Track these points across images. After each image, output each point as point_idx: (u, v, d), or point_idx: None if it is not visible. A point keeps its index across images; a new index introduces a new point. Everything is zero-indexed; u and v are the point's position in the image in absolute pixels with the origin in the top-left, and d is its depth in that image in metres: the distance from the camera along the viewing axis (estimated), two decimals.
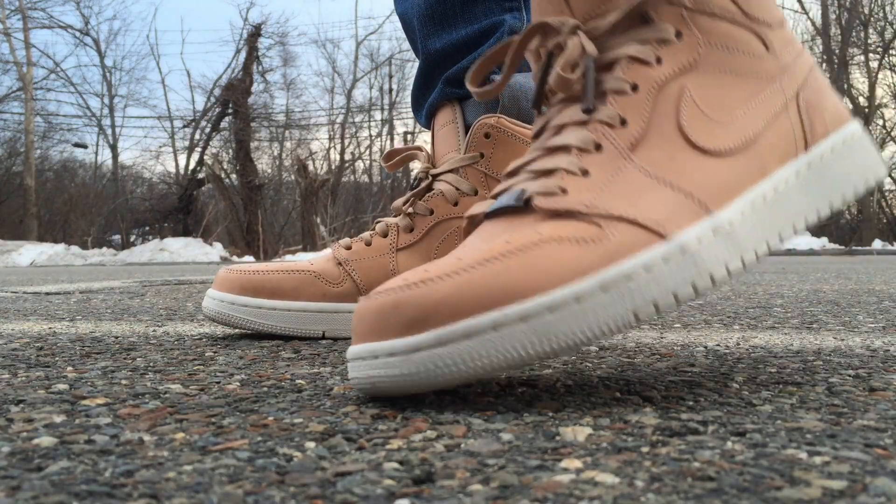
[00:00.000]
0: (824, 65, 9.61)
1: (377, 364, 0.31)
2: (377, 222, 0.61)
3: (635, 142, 0.35)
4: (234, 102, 9.78)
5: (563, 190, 0.34)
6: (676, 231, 0.33)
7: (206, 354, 0.51)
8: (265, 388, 0.37)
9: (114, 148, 11.65)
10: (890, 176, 9.25)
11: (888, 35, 9.24)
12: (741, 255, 0.34)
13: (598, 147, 0.36)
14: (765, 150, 0.37)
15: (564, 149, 0.36)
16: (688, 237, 0.33)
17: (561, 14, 0.38)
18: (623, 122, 0.36)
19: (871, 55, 9.33)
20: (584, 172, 0.35)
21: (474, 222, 0.38)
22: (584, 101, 0.36)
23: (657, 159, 0.35)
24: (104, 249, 7.57)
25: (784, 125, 0.38)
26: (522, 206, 0.35)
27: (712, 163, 0.35)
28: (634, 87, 0.36)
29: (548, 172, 0.36)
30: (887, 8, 9.13)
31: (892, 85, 9.94)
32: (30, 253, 6.12)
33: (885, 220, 9.11)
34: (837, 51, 9.40)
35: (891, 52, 9.17)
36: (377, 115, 11.93)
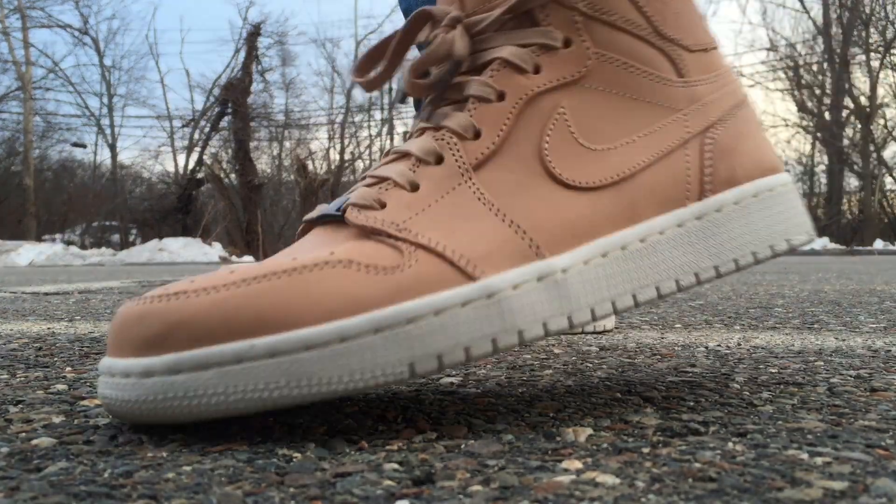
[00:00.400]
0: (825, 64, 9.60)
1: (112, 384, 0.27)
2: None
3: (483, 159, 0.30)
4: (233, 102, 9.79)
5: (381, 204, 0.30)
6: (490, 272, 0.28)
7: None
8: None
9: (113, 147, 11.66)
10: (891, 175, 9.24)
11: (889, 34, 9.24)
12: (569, 313, 0.29)
13: (439, 159, 0.31)
14: (641, 192, 0.31)
15: (406, 156, 0.31)
16: (501, 281, 0.28)
17: (452, 3, 0.33)
18: (476, 135, 0.31)
19: (872, 54, 9.33)
20: (413, 186, 0.30)
21: (307, 228, 0.33)
22: (429, 107, 0.32)
23: (501, 183, 0.30)
24: (103, 249, 7.57)
25: (676, 166, 0.32)
26: (341, 217, 0.30)
27: (568, 198, 0.30)
28: (501, 96, 0.31)
29: (379, 180, 0.31)
30: (888, 7, 9.12)
31: (893, 84, 9.95)
32: (28, 253, 6.13)
33: (886, 220, 9.11)
34: (839, 50, 9.39)
35: (892, 51, 9.16)
36: (377, 115, 11.94)
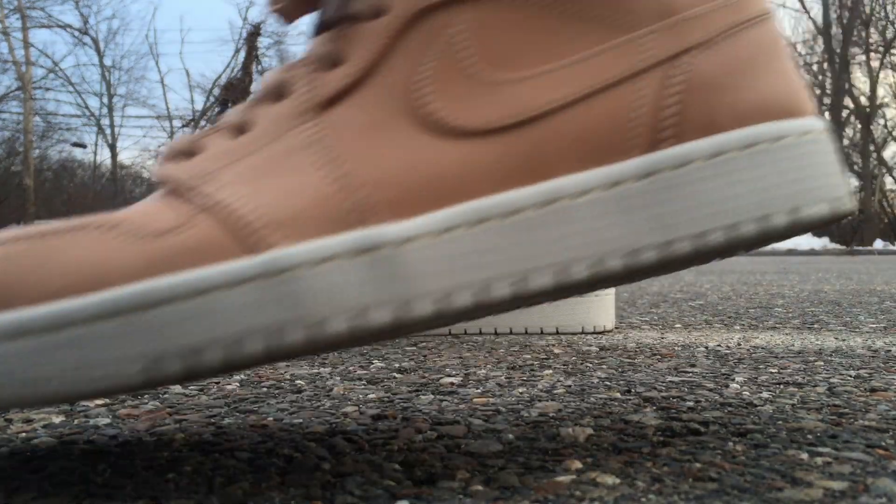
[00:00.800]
0: (825, 64, 9.60)
1: None
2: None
3: (334, 94, 0.23)
4: (233, 102, 9.77)
5: (191, 153, 0.24)
6: (284, 242, 0.21)
7: None
8: (265, 389, 0.37)
9: (113, 147, 11.66)
10: (891, 175, 9.24)
11: (889, 34, 9.24)
12: (399, 302, 0.21)
13: (281, 94, 0.24)
14: (556, 139, 0.23)
15: (260, 90, 0.25)
16: (294, 255, 0.20)
17: None
18: (335, 63, 0.24)
19: (872, 55, 9.33)
20: (239, 130, 0.24)
21: None
22: (323, 13, 0.25)
23: (349, 126, 0.23)
24: None
25: (618, 104, 0.24)
26: None
27: (437, 145, 0.23)
28: (379, 12, 0.24)
29: (219, 121, 0.25)
30: (888, 7, 9.13)
31: (893, 84, 9.94)
32: None
33: (886, 220, 9.11)
34: (839, 50, 9.39)
35: (892, 51, 9.17)
36: None
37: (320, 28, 0.25)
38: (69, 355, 0.19)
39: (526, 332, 0.55)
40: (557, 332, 0.54)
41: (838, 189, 0.25)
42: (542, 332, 0.54)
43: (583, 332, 0.60)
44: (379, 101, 0.23)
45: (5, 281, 0.20)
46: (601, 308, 0.59)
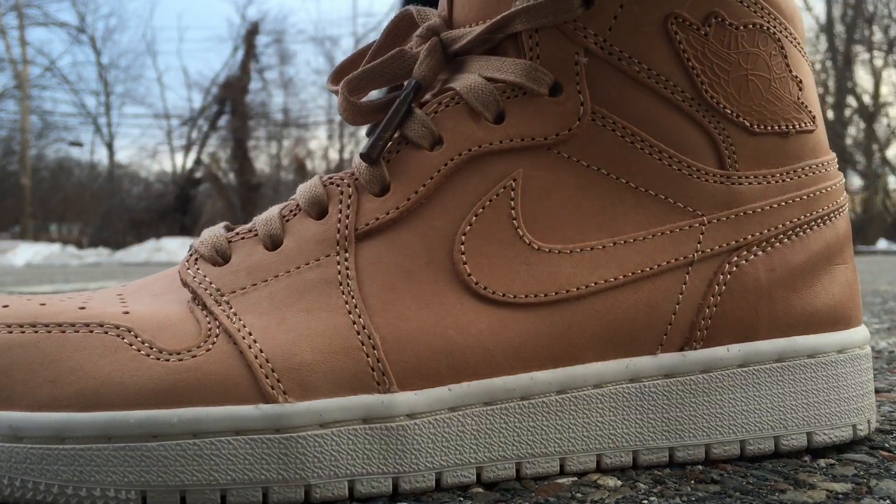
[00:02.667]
0: (829, 63, 9.60)
1: None
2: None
3: (375, 226, 0.22)
4: (231, 101, 9.80)
5: (225, 257, 0.23)
6: (297, 396, 0.20)
7: None
8: None
9: (110, 146, 11.68)
10: (895, 174, 9.23)
11: (893, 33, 9.23)
12: (397, 474, 0.20)
13: (323, 213, 0.23)
14: (588, 323, 0.22)
15: (303, 198, 0.23)
16: (303, 413, 0.20)
17: (443, 8, 0.25)
18: (383, 190, 0.22)
19: (875, 53, 9.32)
20: (274, 243, 0.22)
21: None
22: (370, 145, 0.23)
23: (382, 268, 0.22)
24: (100, 249, 7.58)
25: (660, 296, 0.22)
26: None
27: (468, 311, 0.21)
28: (436, 143, 0.23)
29: (255, 222, 0.24)
30: (892, 5, 9.11)
31: None
32: (25, 253, 6.13)
33: (889, 220, 9.10)
34: (842, 49, 9.38)
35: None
36: None
37: (374, 147, 0.23)
38: (66, 468, 0.19)
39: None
40: None
41: (861, 415, 0.24)
42: None
43: None
44: (416, 244, 0.22)
45: (8, 375, 0.20)
46: None
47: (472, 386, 0.21)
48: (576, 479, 0.22)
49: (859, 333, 0.24)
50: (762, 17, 0.23)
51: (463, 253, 0.22)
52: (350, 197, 0.23)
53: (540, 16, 0.22)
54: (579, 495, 0.21)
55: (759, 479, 0.22)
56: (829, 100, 9.72)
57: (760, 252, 0.23)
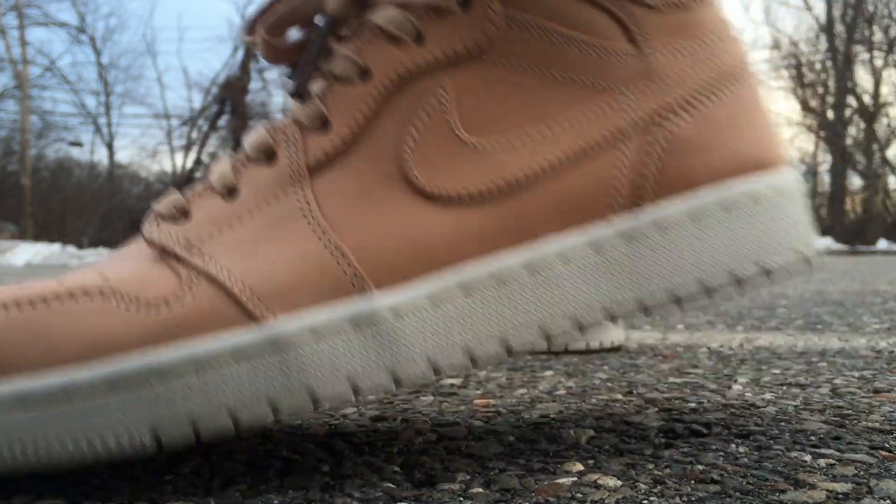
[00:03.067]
0: (829, 63, 9.59)
1: None
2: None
3: (325, 159, 0.24)
4: (231, 101, 9.81)
5: (185, 213, 0.24)
6: (284, 312, 0.21)
7: None
8: None
9: (110, 146, 11.68)
10: (895, 174, 9.22)
11: (893, 32, 9.22)
12: (393, 366, 0.22)
13: (271, 157, 0.24)
14: (540, 204, 0.24)
15: (247, 148, 0.25)
16: (294, 326, 0.21)
17: None
18: (324, 126, 0.24)
19: (875, 53, 9.32)
20: (230, 192, 0.24)
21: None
22: (297, 82, 0.25)
23: (338, 192, 0.23)
24: (100, 249, 7.58)
25: (601, 167, 0.24)
26: None
27: (425, 212, 0.23)
28: (364, 74, 0.24)
29: (202, 183, 0.25)
30: (892, 5, 9.11)
31: None
32: (25, 253, 6.13)
33: (889, 220, 9.09)
34: (842, 48, 9.37)
35: None
36: None
37: (301, 84, 0.25)
38: (76, 425, 0.20)
39: (533, 351, 0.53)
40: (566, 351, 0.52)
41: (803, 242, 0.26)
42: (549, 351, 0.51)
43: (588, 352, 0.50)
44: (367, 167, 0.24)
45: (3, 356, 0.20)
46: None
47: (442, 275, 0.23)
48: (576, 479, 0.22)
49: (791, 174, 0.27)
50: None
51: (411, 164, 0.24)
52: (295, 137, 0.24)
53: None
54: (579, 495, 0.21)
55: (759, 479, 0.22)
56: (830, 99, 9.70)
57: (688, 111, 0.25)
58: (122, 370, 0.20)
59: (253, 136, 0.25)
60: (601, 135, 0.24)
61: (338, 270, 0.22)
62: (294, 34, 0.26)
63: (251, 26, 0.27)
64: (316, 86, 0.24)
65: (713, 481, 0.22)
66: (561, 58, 0.24)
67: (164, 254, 0.23)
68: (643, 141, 0.25)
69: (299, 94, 0.24)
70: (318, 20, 0.25)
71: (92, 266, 0.24)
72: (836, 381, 0.38)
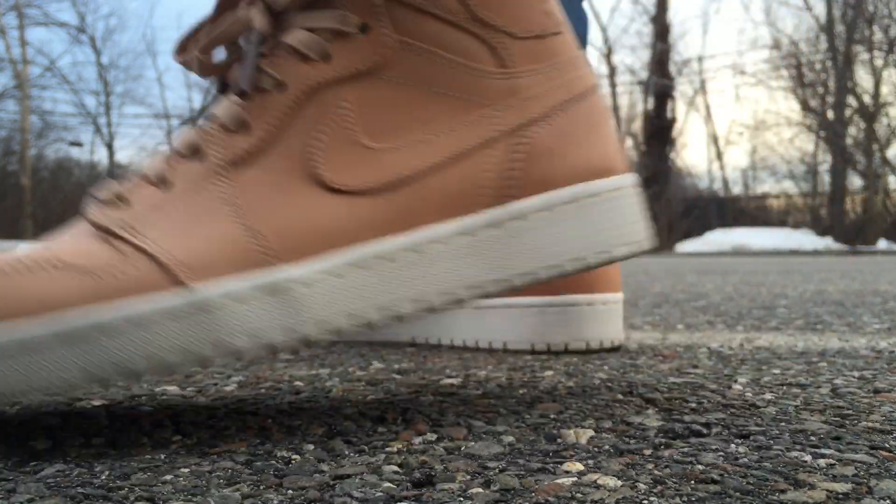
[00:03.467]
0: (829, 62, 9.59)
1: None
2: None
3: (245, 157, 0.28)
4: None
5: (123, 200, 0.28)
6: (205, 280, 0.26)
7: None
8: (263, 390, 0.37)
9: (110, 146, 11.67)
10: (894, 174, 9.22)
11: (893, 32, 9.22)
12: (294, 325, 0.26)
13: (197, 154, 0.29)
14: (422, 197, 0.29)
15: (177, 146, 0.29)
16: (215, 292, 0.26)
17: None
18: (242, 128, 0.29)
19: (876, 53, 9.31)
20: (165, 183, 0.28)
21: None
22: (244, 82, 0.29)
23: (255, 185, 0.28)
24: None
25: (473, 168, 0.29)
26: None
27: (326, 202, 0.28)
28: (280, 86, 0.29)
29: (136, 176, 0.29)
30: (892, 5, 9.10)
31: None
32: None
33: (889, 220, 9.09)
34: (842, 48, 9.37)
35: None
36: None
37: (224, 90, 0.30)
38: (32, 375, 0.24)
39: (533, 350, 0.50)
40: (566, 351, 0.49)
41: (634, 234, 0.32)
42: (549, 351, 0.50)
43: (588, 351, 0.50)
44: (281, 165, 0.29)
45: None
46: (609, 320, 0.51)
47: (343, 255, 0.28)
48: (576, 479, 0.22)
49: (629, 178, 0.32)
50: None
51: (318, 162, 0.28)
52: (220, 138, 0.29)
53: None
54: (579, 495, 0.21)
55: (759, 479, 0.22)
56: (830, 99, 9.70)
57: (544, 124, 0.30)
58: (71, 326, 0.24)
59: (184, 137, 0.29)
60: (474, 141, 0.29)
61: (254, 248, 0.27)
62: (220, 52, 0.31)
63: (182, 47, 0.32)
64: (239, 94, 0.29)
65: (713, 481, 0.22)
66: (444, 77, 0.29)
67: (108, 234, 0.27)
68: (508, 148, 0.30)
69: (244, 91, 0.29)
70: (243, 40, 0.30)
71: (43, 244, 0.28)
72: (837, 382, 0.38)
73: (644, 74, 9.90)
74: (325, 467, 0.24)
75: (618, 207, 0.31)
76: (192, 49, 0.31)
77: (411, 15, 0.29)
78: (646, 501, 0.20)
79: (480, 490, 0.21)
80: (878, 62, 9.30)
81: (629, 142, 9.92)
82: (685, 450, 0.25)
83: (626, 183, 0.32)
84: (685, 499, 0.20)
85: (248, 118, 0.29)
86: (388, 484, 0.22)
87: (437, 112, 0.29)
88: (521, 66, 0.30)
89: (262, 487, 0.22)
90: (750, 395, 0.35)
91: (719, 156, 11.21)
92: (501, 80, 0.30)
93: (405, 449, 0.26)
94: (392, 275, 0.28)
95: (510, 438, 0.27)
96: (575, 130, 0.31)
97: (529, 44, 0.31)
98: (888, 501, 0.20)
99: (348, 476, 0.23)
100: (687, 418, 0.30)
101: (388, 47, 0.29)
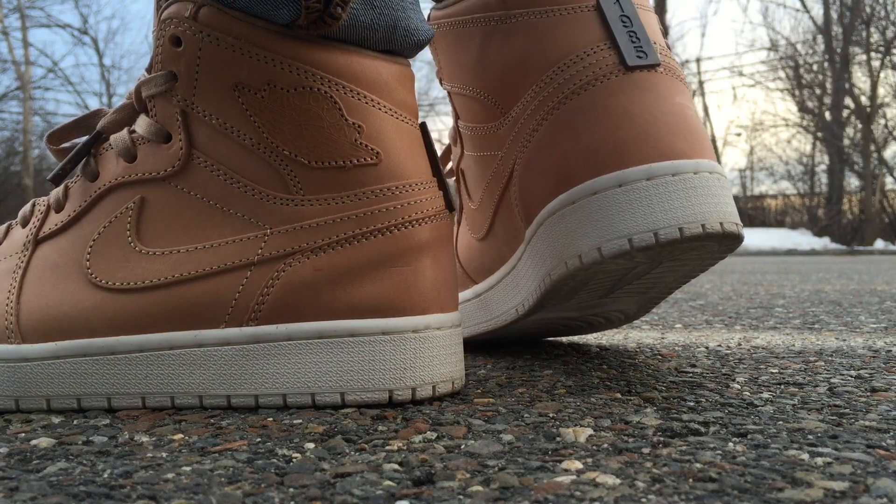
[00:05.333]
0: (826, 64, 9.60)
1: None
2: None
3: (49, 234, 0.33)
4: None
5: None
6: None
7: None
8: None
9: None
10: (892, 175, 9.24)
11: (890, 34, 9.23)
12: (18, 397, 0.31)
13: (26, 223, 0.34)
14: (168, 304, 0.31)
15: (20, 214, 0.36)
16: None
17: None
18: (59, 208, 0.33)
19: (873, 54, 9.33)
20: (2, 241, 0.35)
21: None
22: (54, 173, 0.34)
23: (42, 262, 0.33)
24: None
25: (225, 286, 0.31)
26: None
27: (89, 294, 0.31)
28: (94, 176, 0.33)
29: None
30: (889, 7, 9.12)
31: (894, 84, 9.93)
32: None
33: (887, 220, 9.11)
34: (839, 50, 9.39)
35: (893, 51, 9.16)
36: None
37: (58, 176, 0.34)
38: None
39: (657, 242, 0.33)
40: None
41: (406, 381, 0.31)
42: (681, 235, 0.33)
43: (704, 236, 0.33)
44: (68, 247, 0.32)
45: None
46: (723, 195, 0.34)
47: (72, 343, 0.31)
48: (574, 477, 0.22)
49: (409, 321, 0.31)
50: (314, 80, 0.30)
51: (89, 253, 0.32)
52: (42, 213, 0.34)
53: (150, 86, 0.32)
54: (578, 493, 0.21)
55: (757, 477, 0.22)
56: (827, 101, 9.71)
57: (312, 256, 0.30)
58: None
59: (23, 208, 0.35)
60: (234, 260, 0.31)
61: (5, 323, 0.32)
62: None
63: (50, 140, 0.36)
64: (70, 178, 0.34)
65: (711, 479, 0.22)
66: (231, 195, 0.31)
67: None
68: (265, 274, 0.30)
69: (52, 181, 0.33)
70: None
71: None
72: (834, 381, 0.39)
73: None
74: (325, 466, 0.24)
75: (381, 352, 0.30)
76: (53, 140, 0.36)
77: (207, 131, 0.31)
78: (644, 500, 0.20)
79: (480, 488, 0.21)
80: (875, 63, 9.32)
81: None
82: (683, 448, 0.25)
83: (402, 326, 0.31)
84: (683, 497, 0.20)
85: (63, 200, 0.33)
86: (388, 482, 0.22)
87: (214, 227, 0.31)
88: (312, 193, 0.30)
89: (263, 486, 0.22)
90: (748, 393, 0.35)
91: (717, 156, 11.21)
92: (286, 206, 0.31)
93: (405, 447, 0.26)
94: (112, 368, 0.31)
95: (509, 437, 0.27)
96: (350, 265, 0.30)
97: (327, 173, 0.30)
98: (885, 499, 0.20)
99: (349, 474, 0.23)
100: (685, 417, 0.30)
101: (181, 160, 0.31)
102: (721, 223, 0.32)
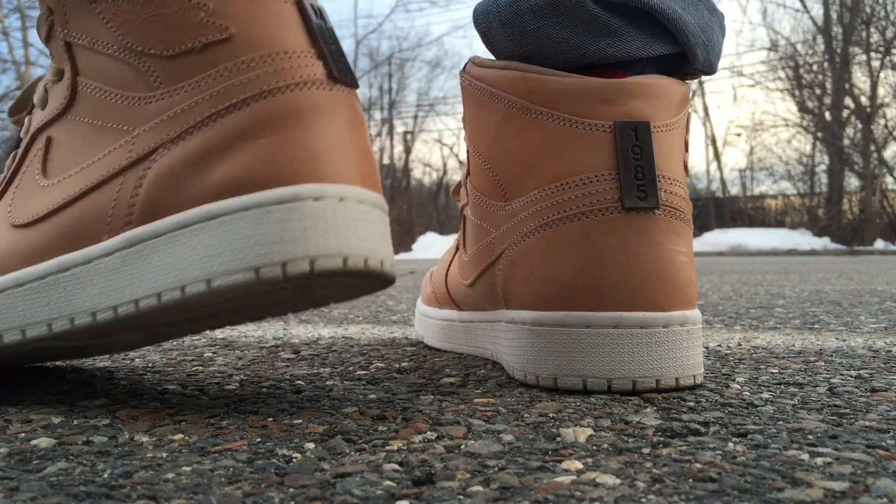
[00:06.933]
0: (826, 64, 9.60)
1: None
2: None
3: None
4: None
5: None
6: None
7: (206, 355, 0.51)
8: (264, 389, 0.37)
9: None
10: (892, 175, 9.23)
11: (890, 34, 9.23)
12: None
13: None
14: (59, 228, 0.31)
15: None
16: None
17: None
18: (7, 170, 0.35)
19: (872, 54, 9.33)
20: None
21: None
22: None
23: None
24: None
25: (102, 198, 0.30)
26: None
27: (8, 234, 0.33)
28: (26, 132, 0.34)
29: None
30: (889, 7, 9.12)
31: (894, 84, 9.93)
32: None
33: (887, 220, 9.11)
34: (839, 50, 9.39)
35: (893, 51, 9.16)
36: (377, 115, 11.94)
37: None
38: None
39: (609, 390, 0.35)
40: (634, 390, 0.34)
41: (263, 259, 0.27)
42: (634, 388, 0.34)
43: (658, 390, 0.35)
44: (6, 203, 0.34)
45: None
46: (687, 349, 0.35)
47: (18, 274, 0.32)
48: (574, 477, 0.22)
49: (272, 194, 0.28)
50: None
51: (11, 199, 0.33)
52: (3, 177, 0.35)
53: (41, 30, 0.33)
54: (578, 493, 0.21)
55: (757, 477, 0.22)
56: (827, 101, 9.71)
57: (172, 146, 0.29)
58: None
59: None
60: (107, 171, 0.30)
61: None
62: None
63: (10, 112, 0.38)
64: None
65: (711, 480, 0.22)
66: (109, 110, 0.31)
67: None
68: (134, 176, 0.30)
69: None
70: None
71: None
72: (834, 381, 0.39)
73: None
74: (325, 466, 0.24)
75: (240, 229, 0.27)
76: (18, 110, 0.38)
77: (86, 56, 0.31)
78: (644, 500, 0.20)
79: (480, 488, 0.21)
80: (875, 63, 9.31)
81: None
82: (683, 448, 0.25)
83: (285, 195, 0.27)
84: (683, 497, 0.20)
85: (12, 162, 0.35)
86: (388, 482, 0.22)
87: (94, 144, 0.31)
88: (172, 83, 0.29)
89: (263, 486, 0.22)
90: (748, 394, 0.35)
91: (717, 157, 11.22)
92: (149, 104, 0.29)
93: (405, 447, 0.26)
94: (25, 301, 0.31)
95: (509, 437, 0.27)
96: (209, 145, 0.28)
97: (183, 59, 0.29)
98: (885, 500, 0.20)
99: (349, 474, 0.23)
100: (685, 417, 0.30)
101: (69, 89, 0.32)
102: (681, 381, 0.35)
